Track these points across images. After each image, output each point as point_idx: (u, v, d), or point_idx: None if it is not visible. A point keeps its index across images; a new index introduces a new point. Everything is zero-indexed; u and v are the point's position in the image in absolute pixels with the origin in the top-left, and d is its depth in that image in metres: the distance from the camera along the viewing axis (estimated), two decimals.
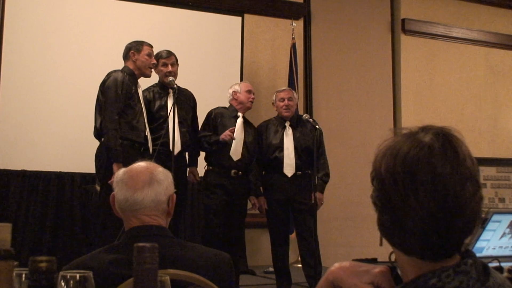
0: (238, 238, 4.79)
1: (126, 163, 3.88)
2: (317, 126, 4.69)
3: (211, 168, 4.66)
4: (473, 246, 2.27)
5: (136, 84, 4.34)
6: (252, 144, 4.74)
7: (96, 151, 4.22)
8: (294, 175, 4.73)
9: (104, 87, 4.19)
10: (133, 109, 4.23)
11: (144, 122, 4.31)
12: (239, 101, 4.79)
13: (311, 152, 4.75)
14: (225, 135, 4.48)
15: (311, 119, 4.82)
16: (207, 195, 4.61)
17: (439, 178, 0.98)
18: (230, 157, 4.60)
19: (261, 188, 4.83)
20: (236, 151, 4.63)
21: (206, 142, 4.61)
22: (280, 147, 4.77)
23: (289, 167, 4.73)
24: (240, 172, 4.64)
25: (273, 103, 5.01)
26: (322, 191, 4.82)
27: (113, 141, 4.05)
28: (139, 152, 4.20)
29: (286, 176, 4.73)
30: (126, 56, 4.39)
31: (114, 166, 3.99)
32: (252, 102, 4.85)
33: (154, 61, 4.46)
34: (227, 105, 4.89)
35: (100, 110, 4.19)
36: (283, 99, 4.87)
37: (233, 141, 4.55)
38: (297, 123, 4.89)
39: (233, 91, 4.83)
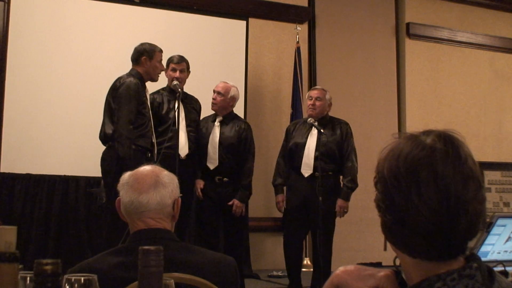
0: (239, 241, 4.75)
1: (133, 168, 3.93)
2: (322, 130, 4.60)
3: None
4: (478, 250, 2.27)
5: (145, 88, 4.29)
6: (233, 146, 4.58)
7: (103, 155, 4.11)
8: (312, 176, 4.57)
9: (117, 94, 4.07)
10: (144, 116, 4.16)
11: (152, 129, 4.28)
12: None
13: (334, 155, 4.64)
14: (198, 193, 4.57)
15: (315, 123, 4.69)
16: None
17: (441, 177, 0.99)
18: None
19: (284, 187, 4.76)
20: (212, 159, 4.58)
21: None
22: (303, 146, 4.67)
23: (306, 166, 4.61)
24: (225, 178, 4.56)
25: None
26: (345, 198, 4.59)
27: (127, 151, 3.97)
28: (144, 157, 4.15)
29: (303, 176, 4.62)
30: (137, 60, 4.26)
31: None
32: (214, 103, 4.66)
33: (164, 67, 4.45)
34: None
35: (111, 116, 4.09)
36: (311, 98, 4.76)
37: (208, 149, 4.56)
38: (326, 124, 4.72)
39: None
